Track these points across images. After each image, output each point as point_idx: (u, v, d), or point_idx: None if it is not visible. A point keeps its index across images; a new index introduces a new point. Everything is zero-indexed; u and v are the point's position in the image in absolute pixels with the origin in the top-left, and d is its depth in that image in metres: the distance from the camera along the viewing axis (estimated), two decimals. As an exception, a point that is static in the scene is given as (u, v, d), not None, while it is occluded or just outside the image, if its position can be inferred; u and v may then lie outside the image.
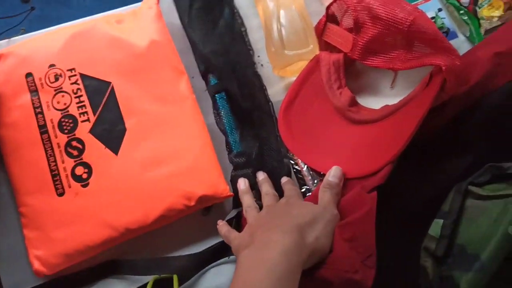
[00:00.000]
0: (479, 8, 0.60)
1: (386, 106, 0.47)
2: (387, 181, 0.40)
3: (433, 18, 0.60)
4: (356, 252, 0.35)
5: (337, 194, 0.43)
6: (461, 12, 0.61)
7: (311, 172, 0.49)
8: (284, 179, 0.50)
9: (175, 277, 0.46)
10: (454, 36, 0.60)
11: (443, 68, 0.40)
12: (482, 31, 0.60)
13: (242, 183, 0.51)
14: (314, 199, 0.43)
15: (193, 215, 0.53)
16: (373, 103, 0.51)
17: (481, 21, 0.60)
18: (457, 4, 0.61)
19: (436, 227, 0.42)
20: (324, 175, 0.47)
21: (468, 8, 0.60)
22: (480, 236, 0.41)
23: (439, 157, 0.43)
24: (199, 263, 0.49)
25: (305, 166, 0.49)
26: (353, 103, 0.50)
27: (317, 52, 0.55)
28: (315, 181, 0.48)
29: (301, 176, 0.52)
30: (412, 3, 0.60)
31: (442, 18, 0.60)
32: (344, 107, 0.49)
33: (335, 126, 0.49)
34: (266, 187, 0.50)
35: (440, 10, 0.60)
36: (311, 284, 0.35)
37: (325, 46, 0.55)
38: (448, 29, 0.59)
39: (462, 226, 0.42)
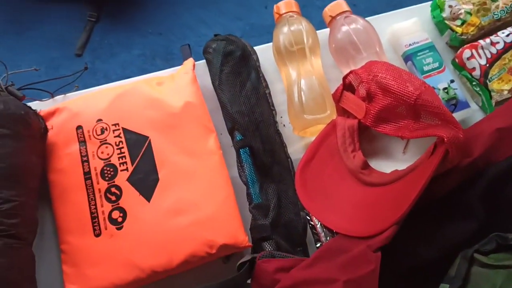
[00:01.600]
0: (489, 81, 0.64)
1: (396, 170, 0.51)
2: (392, 242, 0.44)
3: (445, 88, 0.64)
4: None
5: None
6: (474, 83, 0.66)
7: (324, 229, 0.52)
8: None
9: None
10: (467, 106, 0.64)
11: (445, 139, 0.44)
12: (493, 102, 0.64)
13: None
14: (325, 253, 0.46)
15: (214, 262, 0.57)
16: (385, 166, 0.55)
17: (492, 93, 0.64)
18: (469, 76, 0.66)
19: (442, 292, 0.44)
20: (336, 233, 0.50)
21: (480, 80, 0.65)
22: (485, 303, 0.42)
23: (443, 222, 0.46)
24: None
25: (319, 223, 0.53)
26: (365, 166, 0.54)
27: (334, 117, 0.60)
28: (327, 238, 0.52)
29: (315, 232, 0.55)
30: (426, 74, 0.65)
31: (454, 89, 0.64)
32: (357, 169, 0.53)
33: (347, 186, 0.53)
34: None
35: (452, 81, 0.65)
36: None
37: (341, 111, 0.60)
38: (457, 100, 0.63)
39: (467, 292, 0.44)
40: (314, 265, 0.45)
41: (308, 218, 0.56)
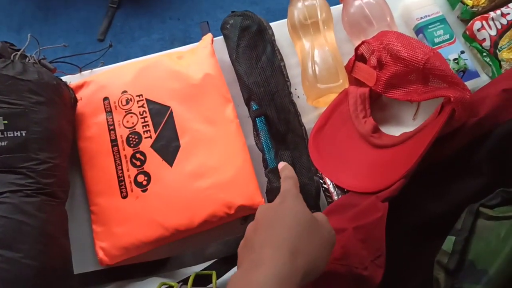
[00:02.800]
0: (499, 51, 0.65)
1: (405, 132, 0.54)
2: (402, 198, 0.46)
3: (456, 59, 0.66)
4: (367, 251, 0.41)
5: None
6: (484, 54, 0.67)
7: (336, 189, 0.55)
8: (281, 164, 0.48)
9: (213, 273, 0.52)
10: (476, 75, 0.66)
11: (452, 99, 0.47)
12: (503, 71, 0.65)
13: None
14: (336, 208, 0.49)
15: (233, 223, 0.61)
16: (395, 132, 0.57)
17: (502, 63, 0.65)
18: (479, 47, 0.67)
19: (449, 243, 0.47)
20: (347, 191, 0.53)
21: (489, 50, 0.66)
22: (489, 252, 0.45)
23: (451, 178, 0.49)
24: (235, 247, 0.55)
25: (331, 183, 0.56)
26: (376, 130, 0.56)
27: (346, 86, 0.62)
28: (339, 196, 0.55)
29: (328, 194, 0.58)
30: (436, 46, 0.67)
31: (464, 59, 0.66)
32: (368, 134, 0.56)
33: (358, 149, 0.56)
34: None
35: (462, 52, 0.66)
36: (321, 277, 0.41)
37: (353, 82, 0.63)
38: (465, 68, 0.65)
39: (472, 243, 0.46)
40: (328, 216, 0.48)
41: (321, 181, 0.59)
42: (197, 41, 0.74)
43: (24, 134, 0.52)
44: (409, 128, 0.57)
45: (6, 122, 0.52)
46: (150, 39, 1.44)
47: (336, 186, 0.55)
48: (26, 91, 0.54)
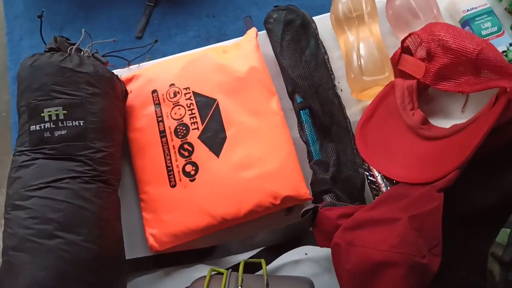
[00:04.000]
0: (550, 43, 0.64)
1: (455, 124, 0.53)
2: (453, 188, 0.46)
3: (504, 52, 0.65)
4: (424, 240, 0.41)
5: None
6: (533, 46, 0.66)
7: (384, 180, 0.55)
8: None
9: (263, 261, 0.53)
10: (525, 68, 0.64)
11: (508, 89, 0.46)
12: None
13: None
14: (387, 198, 0.49)
15: (277, 214, 0.62)
16: (442, 124, 0.57)
17: (552, 54, 0.64)
18: (529, 39, 0.66)
19: (503, 235, 0.46)
20: (396, 182, 0.53)
21: (540, 43, 0.65)
22: (545, 245, 0.44)
23: (501, 170, 0.48)
24: (283, 236, 0.56)
25: (379, 175, 0.56)
26: (425, 122, 0.56)
27: (392, 78, 0.62)
28: (388, 188, 0.55)
29: (375, 186, 0.58)
30: (485, 38, 0.66)
31: (513, 51, 0.65)
32: (416, 126, 0.56)
33: (406, 141, 0.55)
34: None
35: (511, 44, 0.65)
36: (378, 266, 0.41)
37: (399, 74, 0.62)
38: (516, 60, 0.64)
39: (528, 236, 0.46)
40: (376, 207, 0.48)
41: (367, 174, 0.60)
42: (232, 38, 0.75)
43: (82, 124, 0.55)
44: (457, 121, 0.56)
45: (65, 112, 0.54)
46: (187, 36, 1.47)
47: (384, 177, 0.55)
48: (83, 82, 0.56)
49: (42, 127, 0.53)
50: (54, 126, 0.53)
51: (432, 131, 0.54)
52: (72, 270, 0.48)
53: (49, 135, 0.53)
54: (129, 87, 0.67)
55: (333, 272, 0.59)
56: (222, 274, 0.52)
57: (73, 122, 0.55)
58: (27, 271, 0.47)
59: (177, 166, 0.62)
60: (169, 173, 0.62)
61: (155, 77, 0.68)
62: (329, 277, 0.59)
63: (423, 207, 0.43)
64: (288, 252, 0.59)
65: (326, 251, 0.60)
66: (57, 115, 0.54)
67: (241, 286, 0.49)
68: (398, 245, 0.41)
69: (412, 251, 0.40)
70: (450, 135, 0.52)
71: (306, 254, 0.61)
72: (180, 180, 0.61)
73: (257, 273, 0.55)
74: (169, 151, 0.63)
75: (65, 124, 0.54)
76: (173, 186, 0.61)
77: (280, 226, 0.57)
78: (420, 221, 0.42)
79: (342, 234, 0.47)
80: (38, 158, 0.53)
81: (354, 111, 0.67)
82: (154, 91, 0.67)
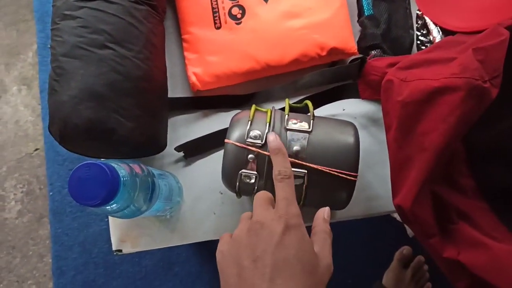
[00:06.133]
0: None
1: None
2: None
3: None
4: (485, 71, 0.41)
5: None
6: None
7: (440, 33, 0.54)
8: (271, 136, 0.44)
9: (308, 102, 0.53)
10: None
11: None
12: None
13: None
14: (444, 43, 0.48)
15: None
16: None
17: None
18: None
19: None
20: (454, 32, 0.52)
21: None
22: None
23: None
24: (330, 78, 0.57)
25: (436, 28, 0.54)
26: (491, -24, 0.53)
27: None
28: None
29: (424, 47, 0.57)
30: None
31: None
32: (481, -20, 0.53)
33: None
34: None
35: None
36: (434, 93, 0.41)
37: None
38: None
39: None
40: (432, 51, 0.48)
41: (418, 33, 0.58)
42: None
43: None
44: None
45: None
46: None
47: (441, 29, 0.53)
48: None
49: None
50: None
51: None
52: (123, 82, 0.49)
53: None
54: None
55: (369, 128, 0.60)
56: (265, 112, 0.53)
57: None
58: (79, 76, 0.48)
59: (223, 8, 0.60)
60: (215, 15, 0.60)
61: None
62: (365, 133, 0.60)
63: (489, 41, 0.42)
64: (326, 107, 0.60)
65: (363, 107, 0.61)
66: None
67: (288, 115, 0.50)
68: (460, 71, 0.40)
69: (475, 75, 0.40)
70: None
71: (343, 109, 0.61)
72: (226, 23, 0.60)
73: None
74: (215, -8, 0.61)
75: None
76: (218, 28, 0.60)
77: (328, 68, 0.56)
78: (484, 53, 0.41)
79: (395, 72, 0.47)
80: (87, -29, 0.50)
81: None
82: None
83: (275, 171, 0.41)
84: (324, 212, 0.41)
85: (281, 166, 0.41)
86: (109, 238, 0.59)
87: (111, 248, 0.59)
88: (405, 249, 1.20)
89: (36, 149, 1.36)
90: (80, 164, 0.38)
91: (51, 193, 1.31)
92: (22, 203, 1.32)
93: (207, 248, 1.21)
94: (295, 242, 0.35)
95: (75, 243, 1.26)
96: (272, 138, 0.45)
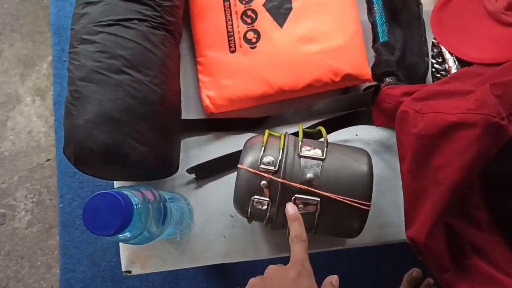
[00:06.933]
0: None
1: (542, 12, 0.50)
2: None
3: None
4: (503, 107, 0.40)
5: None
6: None
7: (456, 63, 0.54)
8: (290, 206, 0.47)
9: (322, 128, 0.53)
10: None
11: None
12: None
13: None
14: (461, 75, 0.48)
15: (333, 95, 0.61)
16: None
17: None
18: None
19: None
20: (471, 63, 0.51)
21: None
22: None
23: None
24: (344, 105, 0.58)
25: (452, 57, 0.54)
26: (509, 8, 0.53)
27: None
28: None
29: (439, 75, 0.57)
30: None
31: None
32: (498, 11, 0.53)
33: (485, 26, 0.53)
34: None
35: None
36: (449, 128, 0.40)
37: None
38: None
39: None
40: (449, 82, 0.47)
41: (433, 61, 0.58)
42: None
43: (151, -33, 0.53)
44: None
45: (136, -48, 0.52)
46: None
47: (457, 59, 0.53)
48: None
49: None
50: (125, -37, 0.51)
51: (516, 17, 0.52)
52: (138, 106, 0.49)
53: (118, -27, 0.51)
54: None
55: (382, 154, 0.60)
56: (279, 137, 0.53)
57: (143, -36, 0.52)
58: (96, 100, 0.48)
59: (239, 32, 0.61)
60: (230, 39, 0.61)
61: None
62: (377, 159, 0.60)
63: (507, 75, 0.42)
64: (338, 132, 0.60)
65: (376, 133, 0.61)
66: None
67: (301, 141, 0.50)
68: (476, 107, 0.40)
69: (492, 112, 0.39)
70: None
71: (356, 135, 0.61)
72: (241, 47, 0.60)
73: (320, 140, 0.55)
74: (231, 16, 0.61)
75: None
76: (233, 51, 0.60)
77: (344, 95, 0.56)
78: (502, 88, 0.41)
79: (410, 103, 0.47)
80: (105, -4, 0.51)
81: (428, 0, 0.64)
82: (219, -46, 0.63)
83: (292, 235, 0.45)
84: (332, 279, 0.45)
85: (297, 231, 0.45)
86: (118, 251, 0.59)
87: (119, 262, 0.59)
88: (415, 271, 1.17)
89: (48, 160, 1.37)
90: (94, 194, 0.39)
91: (61, 205, 1.32)
92: (32, 213, 1.33)
93: (215, 265, 1.20)
94: (307, 285, 0.40)
95: (83, 255, 1.27)
96: (290, 208, 0.47)
